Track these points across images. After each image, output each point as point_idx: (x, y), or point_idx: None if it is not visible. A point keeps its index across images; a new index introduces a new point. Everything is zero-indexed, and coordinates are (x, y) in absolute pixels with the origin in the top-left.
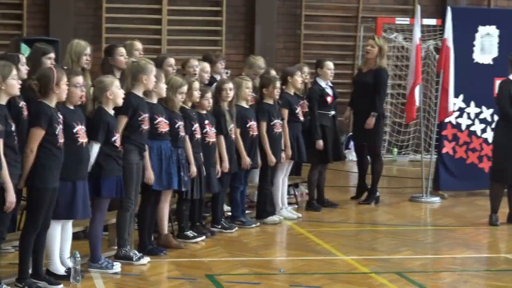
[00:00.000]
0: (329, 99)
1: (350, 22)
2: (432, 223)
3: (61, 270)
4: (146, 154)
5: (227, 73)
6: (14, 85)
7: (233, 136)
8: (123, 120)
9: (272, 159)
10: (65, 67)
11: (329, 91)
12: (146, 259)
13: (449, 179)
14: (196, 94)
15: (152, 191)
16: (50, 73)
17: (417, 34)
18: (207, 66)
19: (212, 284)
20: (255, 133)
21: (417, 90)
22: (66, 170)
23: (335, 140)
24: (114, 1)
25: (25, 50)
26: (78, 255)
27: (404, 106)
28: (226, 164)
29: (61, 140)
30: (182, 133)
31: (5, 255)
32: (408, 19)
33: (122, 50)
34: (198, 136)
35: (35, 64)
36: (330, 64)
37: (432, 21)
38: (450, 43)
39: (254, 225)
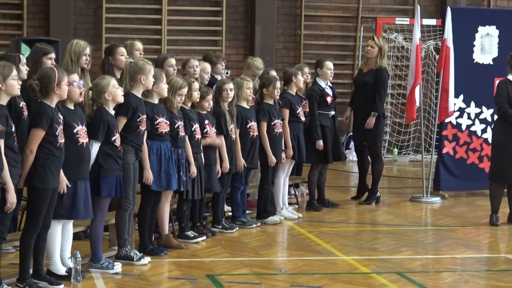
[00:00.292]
0: (329, 99)
1: (350, 22)
2: (432, 223)
3: (61, 270)
4: (145, 154)
5: (227, 73)
6: (14, 85)
7: (233, 136)
8: (123, 121)
9: (272, 159)
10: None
11: (329, 91)
12: (146, 259)
13: (449, 179)
14: (196, 94)
15: (151, 191)
16: (51, 73)
17: (417, 34)
18: (207, 66)
19: (213, 284)
20: (256, 133)
21: (417, 90)
22: (67, 170)
23: (335, 140)
24: (114, 1)
25: (25, 50)
26: (79, 255)
27: (404, 106)
28: (227, 164)
29: (61, 140)
30: (182, 133)
31: (5, 255)
32: (408, 19)
33: (122, 50)
34: (198, 136)
35: (36, 64)
36: (330, 64)
37: (432, 21)
38: (450, 43)
39: (254, 225)
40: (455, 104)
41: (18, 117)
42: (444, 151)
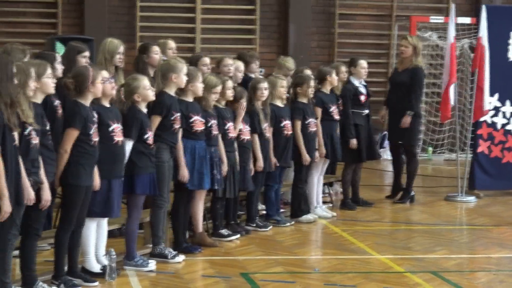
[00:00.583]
0: (362, 98)
1: (384, 20)
2: (467, 222)
3: (96, 267)
4: (181, 152)
5: (261, 71)
6: (49, 83)
7: (267, 134)
8: (157, 120)
9: (306, 158)
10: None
11: (362, 89)
12: (181, 257)
13: (484, 178)
14: (229, 93)
15: (185, 189)
16: (86, 71)
17: (452, 32)
18: (241, 65)
19: (247, 283)
20: (290, 132)
21: (452, 89)
22: (102, 168)
23: (369, 139)
24: (148, 0)
25: (60, 49)
26: (114, 253)
27: (439, 105)
28: (261, 163)
29: (95, 139)
30: (215, 132)
31: (40, 252)
32: (442, 17)
33: (156, 48)
34: (231, 135)
35: (70, 62)
36: (363, 63)
37: (467, 20)
38: (485, 42)
39: (288, 224)
40: (490, 103)
41: (52, 115)
42: (479, 150)
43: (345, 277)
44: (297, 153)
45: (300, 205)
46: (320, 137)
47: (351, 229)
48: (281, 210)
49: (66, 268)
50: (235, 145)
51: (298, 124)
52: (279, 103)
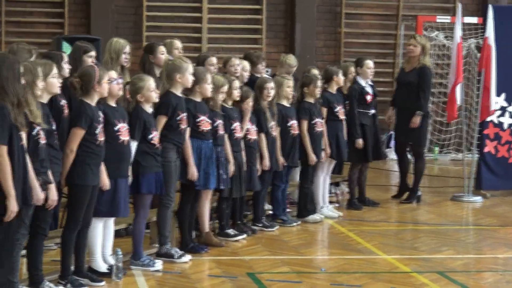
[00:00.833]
0: (368, 97)
1: (391, 20)
2: (474, 222)
3: (103, 267)
4: (189, 151)
5: (267, 71)
6: (55, 83)
7: (274, 133)
8: (162, 120)
9: (313, 157)
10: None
11: (369, 89)
12: (187, 257)
13: (491, 178)
14: (236, 93)
15: (191, 189)
16: (92, 71)
17: (458, 32)
18: (247, 64)
19: (253, 282)
20: (296, 132)
21: (458, 89)
22: (108, 167)
23: (375, 139)
24: (155, 0)
25: (67, 49)
26: (120, 253)
27: (445, 105)
28: (267, 162)
29: (101, 138)
30: (221, 132)
31: (47, 252)
32: (449, 17)
33: (163, 48)
34: (237, 134)
35: (76, 62)
36: (370, 63)
37: (473, 19)
38: (491, 42)
39: (295, 224)
40: (496, 102)
41: (58, 115)
42: (486, 150)
43: (351, 277)
44: (303, 153)
45: (306, 205)
46: (325, 137)
47: (357, 229)
48: (288, 210)
49: (73, 268)
50: (242, 145)
51: (305, 124)
52: (285, 103)
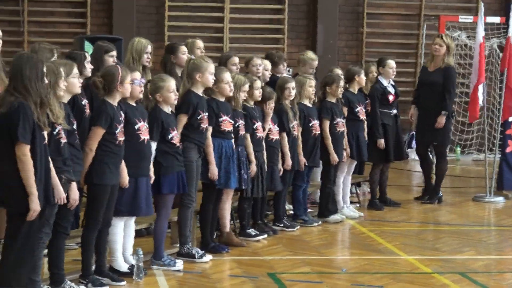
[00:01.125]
0: (390, 97)
1: (413, 20)
2: (495, 223)
3: (124, 267)
4: (210, 149)
5: (289, 71)
6: (76, 83)
7: (295, 133)
8: (183, 119)
9: (334, 157)
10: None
11: (390, 89)
12: (208, 257)
13: None
14: (257, 93)
15: (212, 188)
16: (115, 71)
17: (481, 32)
18: (268, 63)
19: (274, 283)
20: (318, 131)
21: (480, 89)
22: (128, 166)
23: (397, 139)
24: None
25: (89, 48)
26: (141, 252)
27: (467, 105)
28: (289, 161)
29: (121, 138)
30: (242, 132)
31: (69, 251)
32: (471, 17)
33: (184, 48)
34: (259, 134)
35: (98, 62)
36: (392, 63)
37: (496, 19)
38: None
39: (316, 224)
40: None
41: (80, 114)
42: (508, 150)
43: (372, 278)
44: (325, 153)
45: (327, 205)
46: (346, 137)
47: (378, 229)
48: (309, 210)
49: (94, 267)
50: (263, 144)
51: (327, 123)
52: (307, 103)
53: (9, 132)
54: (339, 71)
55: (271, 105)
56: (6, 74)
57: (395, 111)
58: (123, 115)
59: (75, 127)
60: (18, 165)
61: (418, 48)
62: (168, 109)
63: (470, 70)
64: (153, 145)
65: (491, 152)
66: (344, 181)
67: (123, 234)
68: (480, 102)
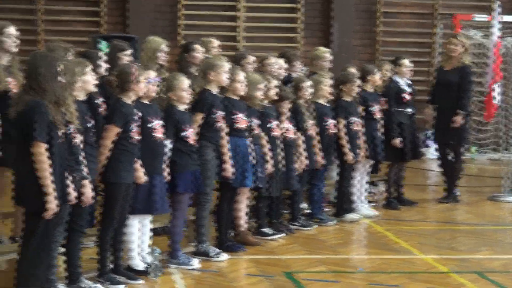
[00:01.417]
0: (406, 96)
1: (427, 19)
2: None
3: (140, 265)
4: (226, 149)
5: (304, 70)
6: (90, 81)
7: (311, 132)
8: (199, 117)
9: (350, 156)
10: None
11: (406, 88)
12: (224, 256)
13: None
14: (273, 92)
15: (228, 187)
16: (130, 70)
17: (496, 31)
18: (282, 63)
19: (290, 282)
20: (333, 131)
21: (496, 88)
22: (143, 165)
23: (412, 138)
24: None
25: (104, 47)
26: (157, 251)
27: (483, 104)
28: (304, 161)
29: (136, 136)
30: (256, 131)
31: (85, 250)
32: (486, 16)
33: (199, 47)
34: (275, 133)
35: (112, 61)
36: (407, 62)
37: (511, 18)
38: None
39: (332, 223)
40: None
41: (94, 113)
42: None
43: (388, 277)
44: (341, 152)
45: (344, 204)
46: (362, 136)
47: (395, 228)
48: (325, 209)
49: (110, 265)
50: (279, 143)
51: (342, 122)
52: (323, 102)
53: (26, 131)
54: (353, 70)
55: (287, 104)
56: (22, 73)
57: (411, 110)
58: (138, 114)
59: (91, 125)
60: (34, 164)
61: (432, 47)
62: (182, 107)
63: (486, 69)
64: (168, 144)
65: (507, 151)
66: (360, 180)
67: (139, 232)
68: (496, 101)
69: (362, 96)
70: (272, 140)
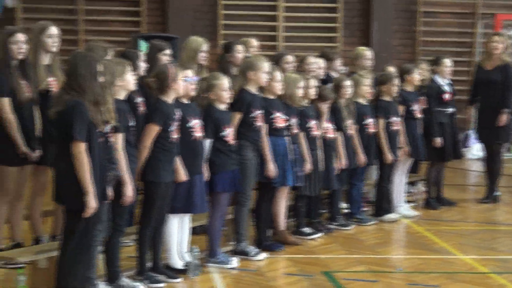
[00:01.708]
0: (446, 96)
1: (468, 18)
2: None
3: (179, 264)
4: (267, 148)
5: (343, 70)
6: (131, 80)
7: (351, 131)
8: (237, 116)
9: (389, 156)
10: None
11: (446, 88)
12: (263, 255)
13: None
14: (312, 91)
15: (267, 186)
16: (166, 69)
17: None
18: (322, 62)
19: (329, 281)
20: (373, 130)
21: None
22: (183, 164)
23: (453, 137)
24: None
25: (144, 47)
26: (197, 250)
27: None
28: (343, 161)
29: (175, 136)
30: (296, 130)
31: (124, 248)
32: None
33: (240, 47)
34: (314, 133)
35: (152, 61)
36: (447, 61)
37: None
38: None
39: (371, 223)
40: None
41: (133, 112)
42: None
43: (428, 277)
44: (380, 151)
45: (383, 204)
46: (404, 136)
47: (434, 228)
48: (364, 209)
49: (149, 264)
50: (318, 143)
51: (382, 122)
52: (362, 101)
53: (66, 130)
54: (392, 69)
55: (327, 104)
56: (63, 72)
57: (451, 110)
58: (178, 113)
59: (131, 123)
60: (74, 163)
61: (473, 47)
62: (222, 107)
63: None
64: (207, 143)
65: None
66: (399, 180)
67: (178, 231)
68: None
69: (403, 96)
70: (311, 139)
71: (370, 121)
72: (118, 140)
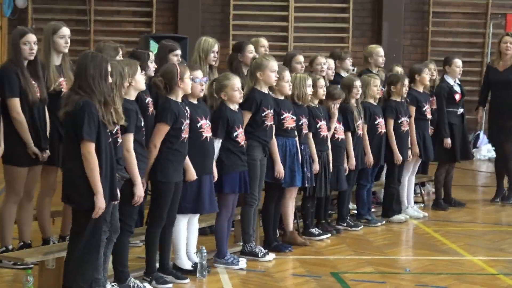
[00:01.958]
0: (457, 96)
1: (479, 18)
2: None
3: (187, 265)
4: (276, 148)
5: (353, 70)
6: (141, 80)
7: (360, 132)
8: (247, 116)
9: (398, 157)
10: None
11: (457, 88)
12: (271, 256)
13: None
14: (321, 91)
15: (276, 187)
16: (173, 68)
17: None
18: (332, 63)
19: (337, 282)
20: (383, 130)
21: None
22: (192, 164)
23: (463, 138)
24: None
25: (154, 47)
26: (205, 250)
27: None
28: (353, 161)
29: (185, 135)
30: (305, 130)
31: (133, 249)
32: None
33: (251, 47)
34: (323, 133)
35: (162, 61)
36: (458, 62)
37: None
38: None
39: (379, 224)
40: None
41: (143, 112)
42: None
43: (436, 278)
44: (389, 152)
45: (391, 204)
46: (414, 136)
47: (443, 229)
48: (372, 210)
49: (157, 264)
50: (328, 143)
51: (391, 122)
52: (372, 101)
53: (75, 130)
54: (399, 69)
55: (337, 104)
56: (73, 73)
57: (461, 110)
58: (188, 111)
59: (142, 123)
60: (83, 163)
61: (484, 47)
62: (234, 107)
63: None
64: (217, 143)
65: None
66: (408, 181)
67: (187, 232)
68: None
69: (414, 96)
70: (320, 140)
71: (380, 120)
72: (128, 140)
